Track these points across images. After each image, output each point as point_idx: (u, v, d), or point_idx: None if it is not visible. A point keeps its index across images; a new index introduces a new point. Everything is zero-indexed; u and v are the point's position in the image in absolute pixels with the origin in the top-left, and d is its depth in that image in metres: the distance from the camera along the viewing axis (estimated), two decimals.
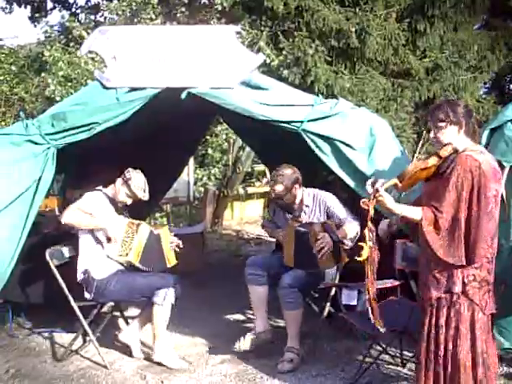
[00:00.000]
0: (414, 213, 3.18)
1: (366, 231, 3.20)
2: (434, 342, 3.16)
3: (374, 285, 3.24)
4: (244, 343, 4.44)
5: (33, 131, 4.19)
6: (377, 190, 3.16)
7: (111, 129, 4.31)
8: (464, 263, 3.07)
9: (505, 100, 10.90)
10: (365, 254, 3.15)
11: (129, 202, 4.58)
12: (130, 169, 4.53)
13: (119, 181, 4.53)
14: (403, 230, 3.64)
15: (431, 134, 3.29)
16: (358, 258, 3.17)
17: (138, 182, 4.49)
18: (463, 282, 3.10)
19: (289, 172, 4.59)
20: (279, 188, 4.58)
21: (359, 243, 3.22)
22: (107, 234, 4.37)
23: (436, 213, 3.10)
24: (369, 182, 3.22)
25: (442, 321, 3.14)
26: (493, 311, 3.22)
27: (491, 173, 3.08)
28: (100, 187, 4.58)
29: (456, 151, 3.15)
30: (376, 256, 3.21)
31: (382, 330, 3.30)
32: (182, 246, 4.68)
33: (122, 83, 4.28)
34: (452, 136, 3.21)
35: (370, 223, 3.18)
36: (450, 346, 3.11)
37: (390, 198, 3.20)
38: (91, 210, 4.36)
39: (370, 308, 3.26)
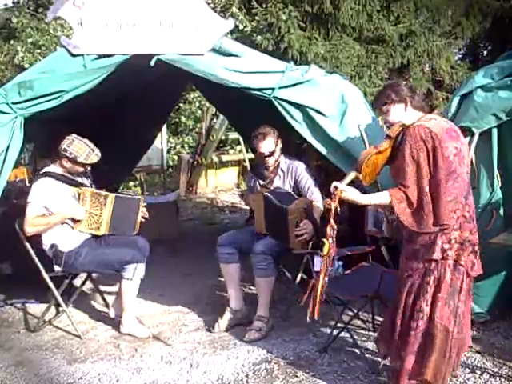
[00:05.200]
0: (382, 197, 3.19)
1: (328, 229, 3.23)
2: (409, 309, 3.18)
3: (326, 277, 3.30)
4: (222, 324, 4.45)
5: None
6: (335, 188, 3.19)
7: (80, 97, 4.22)
8: (431, 229, 3.08)
9: (479, 66, 10.90)
10: (325, 249, 3.24)
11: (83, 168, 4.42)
12: (64, 142, 4.33)
13: (61, 157, 4.35)
14: None
15: (381, 120, 3.32)
16: (320, 253, 3.30)
17: (77, 151, 4.31)
18: (442, 248, 3.10)
19: (270, 129, 4.56)
20: (268, 142, 4.52)
21: (322, 239, 3.31)
22: (74, 218, 4.34)
23: (403, 189, 3.10)
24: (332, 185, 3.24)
25: (421, 287, 3.14)
26: (479, 272, 3.24)
27: (444, 133, 3.09)
28: (47, 167, 4.42)
29: (408, 126, 3.17)
30: (333, 252, 3.30)
31: (309, 319, 3.36)
32: (147, 217, 4.60)
33: (90, 50, 4.18)
34: (400, 114, 3.28)
35: (332, 221, 3.21)
36: (427, 312, 3.13)
37: (353, 191, 3.24)
38: (46, 203, 4.26)
39: (316, 294, 3.30)
